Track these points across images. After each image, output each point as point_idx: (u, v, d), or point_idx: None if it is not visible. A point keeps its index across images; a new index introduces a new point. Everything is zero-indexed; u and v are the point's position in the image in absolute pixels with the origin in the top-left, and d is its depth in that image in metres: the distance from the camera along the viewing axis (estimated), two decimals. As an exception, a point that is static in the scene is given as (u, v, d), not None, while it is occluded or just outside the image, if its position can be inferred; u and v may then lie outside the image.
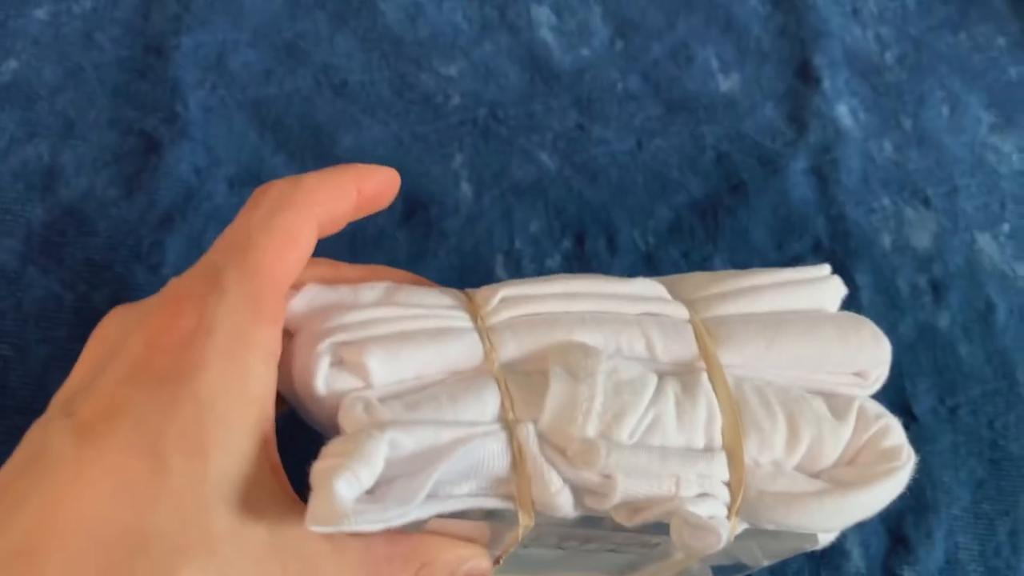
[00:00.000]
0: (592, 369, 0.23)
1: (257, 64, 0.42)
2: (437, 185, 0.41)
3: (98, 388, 0.20)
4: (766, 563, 0.30)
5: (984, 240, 0.46)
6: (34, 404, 0.34)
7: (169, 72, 0.41)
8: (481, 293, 0.26)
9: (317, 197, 0.24)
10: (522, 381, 0.24)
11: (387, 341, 0.23)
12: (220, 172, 0.39)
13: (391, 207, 0.40)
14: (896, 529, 0.39)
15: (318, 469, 0.20)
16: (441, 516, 0.23)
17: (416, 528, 0.23)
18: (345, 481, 0.19)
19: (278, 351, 0.22)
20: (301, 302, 0.24)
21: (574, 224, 0.42)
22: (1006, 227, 0.46)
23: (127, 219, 0.37)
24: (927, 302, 0.43)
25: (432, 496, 0.22)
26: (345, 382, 0.23)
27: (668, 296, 0.27)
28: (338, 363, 0.23)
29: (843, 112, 0.48)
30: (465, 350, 0.24)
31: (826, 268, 0.29)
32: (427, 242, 0.40)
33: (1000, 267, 0.45)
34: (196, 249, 0.38)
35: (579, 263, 0.41)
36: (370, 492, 0.20)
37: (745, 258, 0.42)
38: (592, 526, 0.25)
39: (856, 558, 0.38)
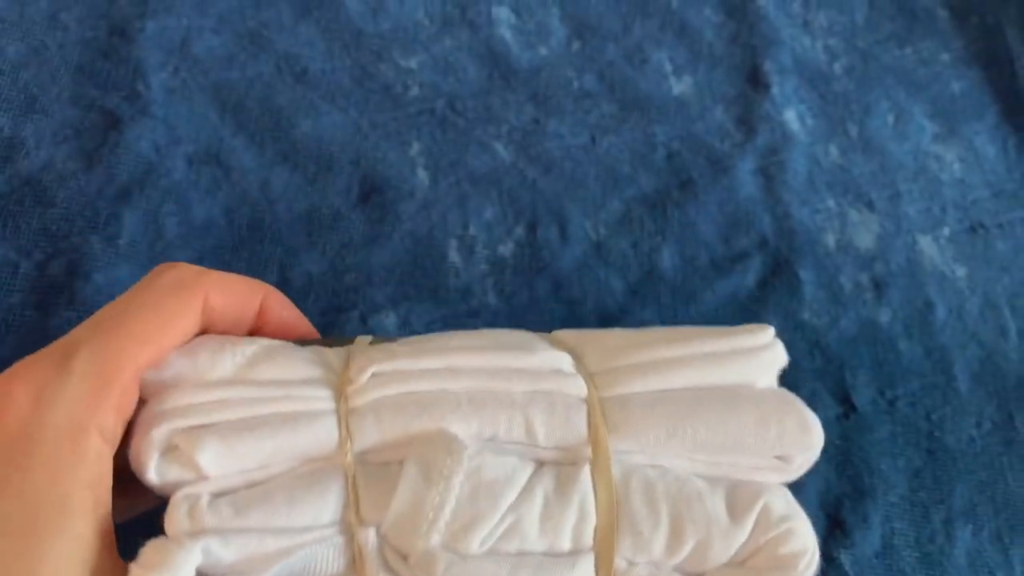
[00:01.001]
0: (450, 471, 0.22)
1: (220, 49, 0.43)
2: (394, 171, 0.42)
3: None
4: None
5: (925, 242, 0.47)
6: (-17, 367, 0.34)
7: (133, 53, 0.41)
8: (356, 362, 0.24)
9: (214, 294, 0.23)
10: (375, 474, 0.23)
11: (226, 430, 0.22)
12: (179, 150, 0.40)
13: (348, 190, 0.42)
14: (834, 513, 0.40)
15: None
16: None
17: None
18: None
19: (116, 439, 0.21)
20: (154, 373, 0.23)
21: (527, 213, 0.43)
22: (946, 231, 0.47)
23: (85, 192, 0.38)
24: (869, 299, 0.45)
25: None
26: (177, 473, 0.22)
27: (571, 369, 0.25)
28: (172, 450, 0.22)
29: (791, 117, 0.49)
30: (319, 437, 0.23)
31: (769, 333, 0.27)
32: (382, 225, 0.41)
33: (940, 268, 0.46)
34: (153, 223, 0.38)
35: (531, 250, 0.42)
36: None
37: (693, 250, 0.44)
38: None
39: (794, 540, 0.39)
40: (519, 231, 0.42)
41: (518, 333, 0.26)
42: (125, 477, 0.22)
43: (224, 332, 0.24)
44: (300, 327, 0.27)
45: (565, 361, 0.25)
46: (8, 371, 0.20)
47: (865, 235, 0.47)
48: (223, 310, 0.24)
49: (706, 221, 0.45)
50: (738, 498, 0.24)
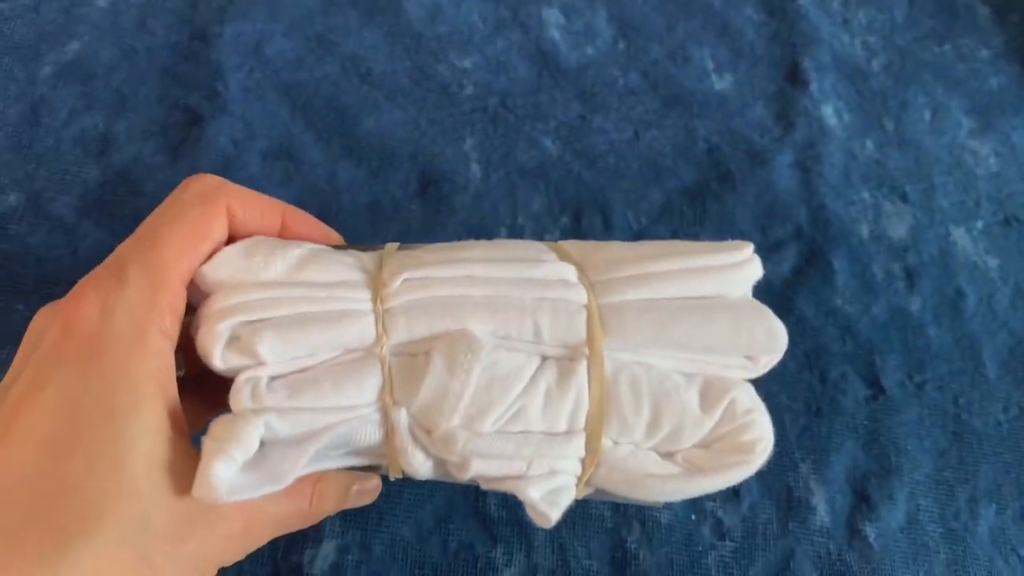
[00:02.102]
0: (469, 365, 0.26)
1: (291, 52, 0.47)
2: (449, 165, 0.46)
3: (25, 374, 0.23)
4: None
5: (958, 234, 0.49)
6: (84, 339, 0.39)
7: (212, 56, 0.45)
8: (388, 267, 0.27)
9: (235, 203, 0.26)
10: (406, 364, 0.26)
11: (281, 325, 0.25)
12: (255, 145, 0.44)
13: (407, 182, 0.45)
14: (860, 489, 0.42)
15: (203, 449, 0.23)
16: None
17: None
18: (222, 463, 0.23)
19: (175, 334, 0.24)
20: (213, 269, 0.26)
21: (572, 203, 0.46)
22: (980, 223, 0.49)
23: (171, 182, 0.42)
24: (900, 287, 0.47)
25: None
26: (240, 360, 0.25)
27: (574, 279, 0.28)
28: (235, 341, 0.25)
29: (828, 112, 0.51)
30: (359, 332, 0.26)
31: (748, 250, 0.30)
32: (438, 215, 0.44)
33: (972, 259, 0.48)
34: (231, 211, 0.42)
35: (575, 238, 0.45)
36: (250, 463, 0.24)
37: (730, 239, 0.46)
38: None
39: (822, 513, 0.41)
40: (565, 220, 0.45)
41: (529, 244, 0.30)
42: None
43: (252, 232, 0.28)
44: (327, 241, 0.30)
45: (569, 272, 0.28)
46: (75, 290, 0.24)
47: (898, 226, 0.49)
48: (244, 219, 0.27)
49: (743, 212, 0.47)
50: (710, 391, 0.27)
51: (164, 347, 0.24)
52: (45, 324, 0.24)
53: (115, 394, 0.22)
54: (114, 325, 0.23)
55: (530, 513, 0.26)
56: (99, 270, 0.24)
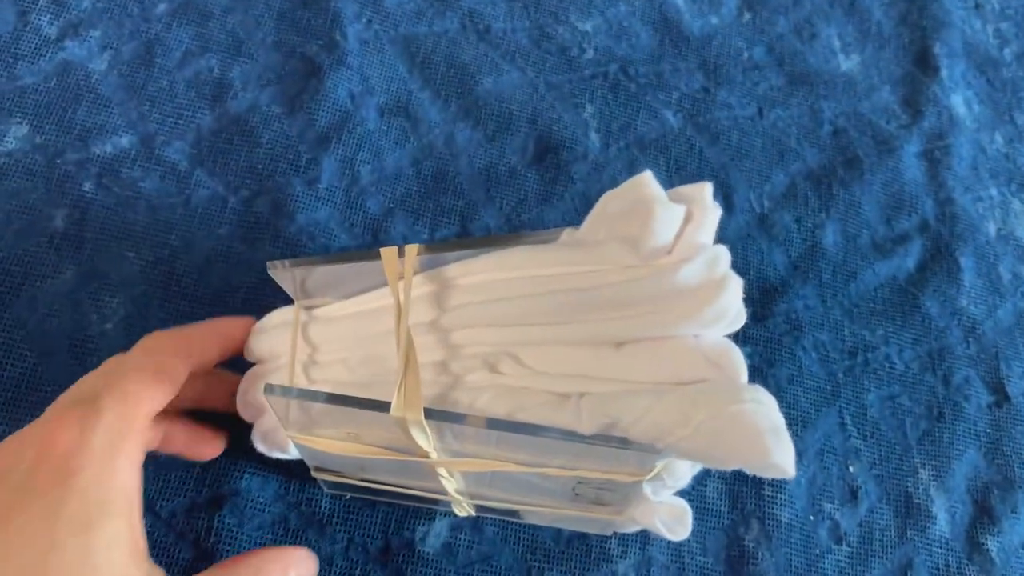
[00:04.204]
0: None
1: (410, 4, 0.44)
2: (568, 132, 0.43)
3: (2, 495, 0.25)
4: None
5: (1087, 238, 0.46)
6: (196, 292, 0.37)
7: (330, 4, 0.43)
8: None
9: (189, 348, 0.29)
10: None
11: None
12: (372, 100, 0.42)
13: (524, 147, 0.43)
14: (982, 500, 0.40)
15: None
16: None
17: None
18: None
19: (141, 457, 0.27)
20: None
21: (693, 181, 0.44)
22: (1110, 228, 0.47)
23: (288, 134, 0.40)
24: (1027, 291, 0.45)
25: None
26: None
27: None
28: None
29: (958, 102, 0.49)
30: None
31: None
32: (555, 184, 0.42)
33: (1102, 265, 0.46)
34: (349, 170, 0.40)
35: (696, 218, 0.43)
36: None
37: (855, 229, 0.44)
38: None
39: (942, 523, 0.39)
40: (685, 199, 0.43)
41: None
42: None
43: (204, 365, 0.30)
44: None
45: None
46: (53, 416, 0.26)
47: (1026, 226, 0.46)
48: (199, 356, 0.30)
49: (870, 201, 0.45)
50: None
51: (134, 468, 0.26)
52: (20, 448, 0.26)
53: (89, 505, 0.24)
54: (91, 444, 0.25)
55: None
56: (73, 397, 0.27)
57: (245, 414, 0.31)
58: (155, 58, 0.41)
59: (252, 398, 0.30)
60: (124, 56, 0.41)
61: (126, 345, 0.31)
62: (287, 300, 0.31)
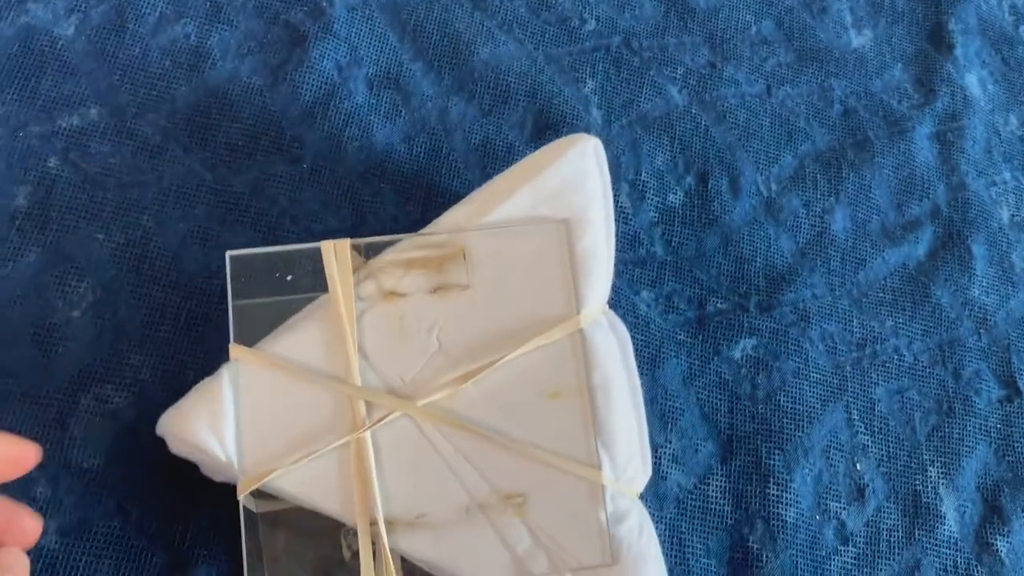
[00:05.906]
0: None
1: (400, -32, 0.42)
2: (569, 107, 0.41)
3: None
4: None
5: (1102, 225, 0.45)
6: (169, 277, 0.35)
7: (316, -34, 0.40)
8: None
9: None
10: None
11: None
12: (361, 72, 0.39)
13: (523, 123, 0.41)
14: (992, 499, 0.39)
15: None
16: None
17: None
18: None
19: None
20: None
21: (699, 161, 0.42)
22: (1125, 215, 0.45)
23: (270, 108, 0.38)
24: (1041, 281, 0.43)
25: None
26: None
27: None
28: None
29: (972, 81, 0.47)
30: None
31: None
32: (553, 164, 0.40)
33: (1119, 253, 0.44)
34: (336, 148, 0.38)
35: (701, 201, 0.41)
36: None
37: (865, 214, 0.42)
38: None
39: (951, 522, 0.38)
40: (689, 180, 0.41)
41: None
42: None
43: None
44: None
45: None
46: None
47: (1041, 212, 0.45)
48: None
49: (880, 185, 0.43)
50: None
51: None
52: None
53: None
54: None
55: None
56: None
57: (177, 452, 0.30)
58: (127, 23, 0.38)
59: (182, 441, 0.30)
60: (93, 20, 0.38)
61: (94, 334, 0.29)
62: (263, 288, 0.28)
